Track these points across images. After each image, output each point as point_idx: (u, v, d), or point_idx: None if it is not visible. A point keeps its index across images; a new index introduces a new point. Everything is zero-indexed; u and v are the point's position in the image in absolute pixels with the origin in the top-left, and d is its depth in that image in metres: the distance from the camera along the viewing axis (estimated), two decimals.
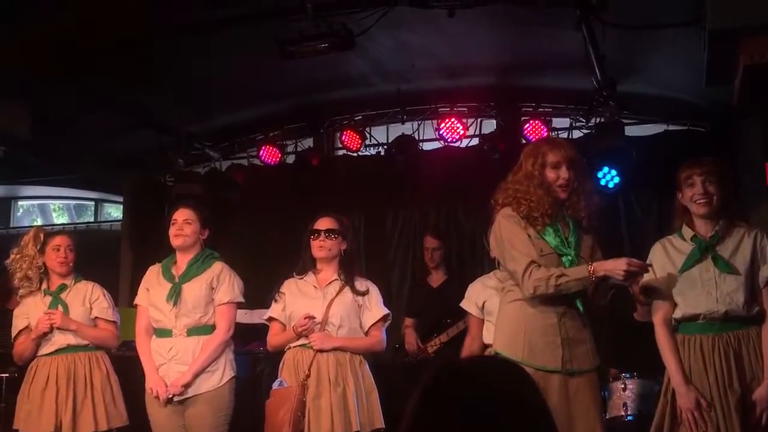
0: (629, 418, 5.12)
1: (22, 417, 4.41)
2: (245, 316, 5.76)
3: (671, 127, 6.98)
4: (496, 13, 5.32)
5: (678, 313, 3.38)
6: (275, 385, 4.08)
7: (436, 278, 6.09)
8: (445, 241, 6.12)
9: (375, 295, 4.25)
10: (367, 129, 7.47)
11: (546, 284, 3.16)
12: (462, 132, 6.94)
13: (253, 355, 6.28)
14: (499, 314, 3.46)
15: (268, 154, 7.45)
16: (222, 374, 4.22)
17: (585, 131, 7.06)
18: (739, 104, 4.76)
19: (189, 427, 4.19)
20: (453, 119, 6.92)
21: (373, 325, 4.19)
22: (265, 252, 7.27)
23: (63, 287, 4.57)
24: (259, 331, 5.32)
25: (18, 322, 4.56)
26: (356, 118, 7.51)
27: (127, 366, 4.78)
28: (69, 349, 4.48)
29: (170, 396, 4.15)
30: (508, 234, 3.30)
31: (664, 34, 5.18)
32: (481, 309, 4.57)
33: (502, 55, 6.36)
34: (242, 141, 7.95)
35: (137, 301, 4.41)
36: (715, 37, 4.14)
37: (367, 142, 7.45)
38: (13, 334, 4.58)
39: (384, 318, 4.22)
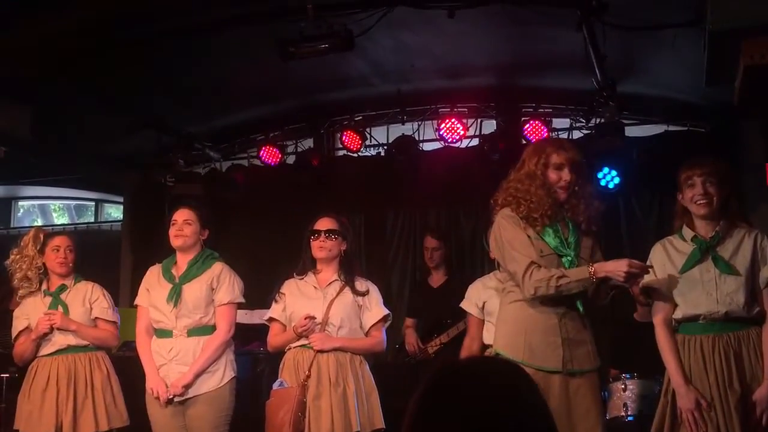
0: (630, 418, 5.12)
1: (22, 417, 4.41)
2: (245, 317, 5.76)
3: (671, 128, 6.98)
4: (496, 14, 5.32)
5: (678, 314, 3.38)
6: (275, 386, 4.08)
7: (437, 278, 6.08)
8: (445, 241, 6.11)
9: (375, 295, 4.25)
10: (368, 129, 7.47)
11: (546, 285, 3.16)
12: (462, 132, 6.94)
13: (254, 356, 6.28)
14: (499, 315, 3.46)
15: (269, 155, 7.45)
16: (222, 375, 4.22)
17: (585, 132, 7.06)
18: (740, 105, 4.76)
19: (189, 428, 4.19)
20: (453, 120, 6.92)
21: (373, 325, 4.19)
22: (265, 252, 7.27)
23: (63, 288, 4.57)
24: (260, 331, 5.32)
25: (18, 323, 4.56)
26: (356, 119, 7.51)
27: (127, 366, 4.78)
28: (69, 349, 4.48)
29: (171, 397, 4.15)
30: (508, 235, 3.30)
31: (664, 34, 5.18)
32: (482, 309, 4.57)
33: (502, 55, 6.37)
34: (242, 141, 7.95)
35: (137, 301, 4.41)
36: (716, 37, 4.14)
37: (368, 142, 7.45)
38: (13, 335, 4.58)
39: (384, 318, 4.22)
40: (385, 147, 7.42)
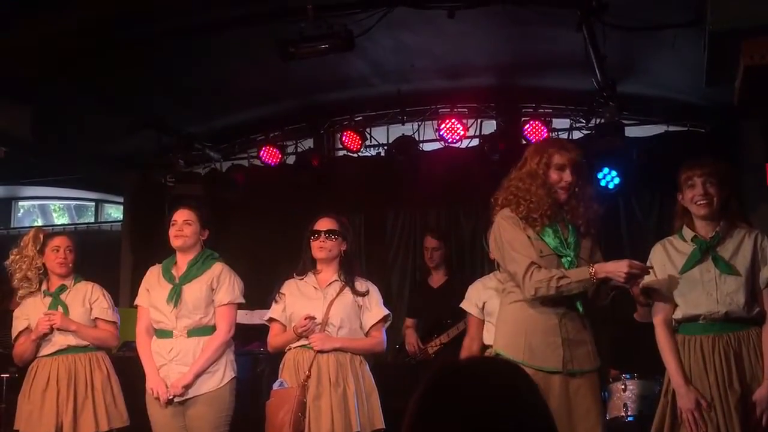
0: (630, 418, 5.12)
1: (23, 418, 4.40)
2: (245, 317, 5.76)
3: (671, 128, 6.99)
4: (496, 14, 5.32)
5: (678, 314, 3.38)
6: (276, 386, 4.08)
7: (437, 279, 6.08)
8: (445, 241, 6.11)
9: (375, 295, 4.25)
10: (368, 130, 7.47)
11: (547, 286, 3.16)
12: (462, 133, 6.94)
13: (254, 356, 6.28)
14: (499, 315, 3.46)
15: (269, 155, 7.45)
16: (222, 375, 4.22)
17: (585, 132, 7.07)
18: (740, 105, 4.76)
19: (189, 428, 4.19)
20: (453, 120, 6.93)
21: (373, 325, 4.19)
22: (265, 252, 7.27)
23: (63, 288, 4.57)
24: (260, 331, 5.32)
25: (18, 323, 4.55)
26: (356, 119, 7.51)
27: (127, 366, 4.78)
28: (69, 349, 4.47)
29: (171, 397, 4.15)
30: (508, 235, 3.30)
31: (664, 34, 5.18)
32: (482, 310, 4.57)
33: (502, 55, 6.37)
34: (242, 141, 7.96)
35: (137, 301, 4.40)
36: (716, 38, 4.14)
37: (368, 142, 7.45)
38: (13, 335, 4.58)
39: (384, 319, 4.22)
40: (385, 147, 7.43)
